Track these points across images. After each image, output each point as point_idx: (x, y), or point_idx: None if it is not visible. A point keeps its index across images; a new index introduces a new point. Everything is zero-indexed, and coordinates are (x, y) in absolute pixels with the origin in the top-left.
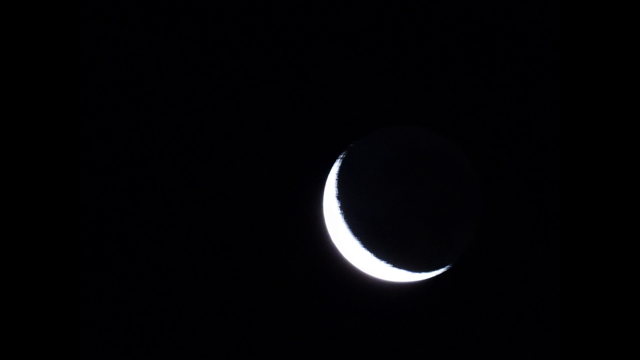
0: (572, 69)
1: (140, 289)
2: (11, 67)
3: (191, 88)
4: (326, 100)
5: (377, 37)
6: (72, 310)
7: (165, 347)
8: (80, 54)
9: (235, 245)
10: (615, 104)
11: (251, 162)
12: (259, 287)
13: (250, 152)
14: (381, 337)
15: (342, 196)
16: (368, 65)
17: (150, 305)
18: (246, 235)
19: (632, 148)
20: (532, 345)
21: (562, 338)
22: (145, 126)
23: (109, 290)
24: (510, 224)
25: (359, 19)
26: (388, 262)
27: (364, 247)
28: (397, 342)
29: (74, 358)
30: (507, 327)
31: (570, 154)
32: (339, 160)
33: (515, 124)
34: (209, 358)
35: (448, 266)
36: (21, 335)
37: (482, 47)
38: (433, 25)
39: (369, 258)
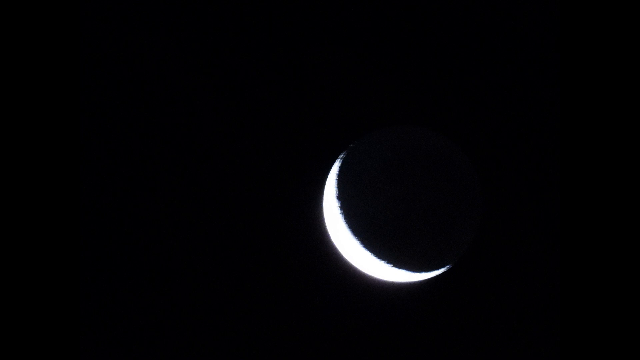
0: (572, 69)
1: (140, 289)
2: (11, 67)
3: (191, 88)
4: (326, 100)
5: (377, 37)
6: (72, 310)
7: (165, 347)
8: (80, 54)
9: (235, 245)
10: (615, 104)
11: (251, 162)
12: (259, 287)
13: (250, 152)
14: (381, 337)
15: (342, 196)
16: (368, 65)
17: (150, 305)
18: (246, 235)
19: (632, 148)
20: (532, 345)
21: (562, 338)
22: (145, 126)
23: (109, 290)
24: (510, 224)
25: (359, 19)
26: (388, 262)
27: (364, 247)
28: (397, 342)
29: (74, 358)
30: (507, 327)
31: (570, 154)
32: (339, 160)
33: (515, 124)
34: (209, 358)
35: (448, 266)
36: (21, 335)
37: (482, 47)
38: (433, 25)
39: (369, 258)
